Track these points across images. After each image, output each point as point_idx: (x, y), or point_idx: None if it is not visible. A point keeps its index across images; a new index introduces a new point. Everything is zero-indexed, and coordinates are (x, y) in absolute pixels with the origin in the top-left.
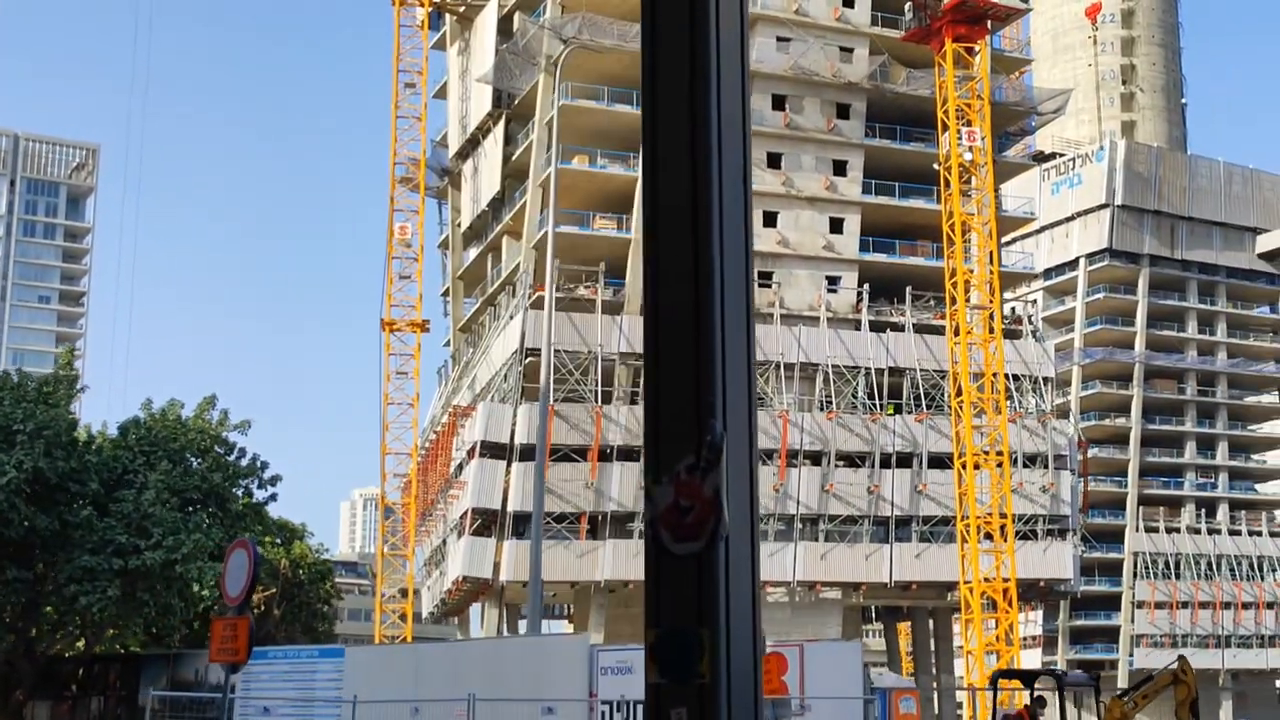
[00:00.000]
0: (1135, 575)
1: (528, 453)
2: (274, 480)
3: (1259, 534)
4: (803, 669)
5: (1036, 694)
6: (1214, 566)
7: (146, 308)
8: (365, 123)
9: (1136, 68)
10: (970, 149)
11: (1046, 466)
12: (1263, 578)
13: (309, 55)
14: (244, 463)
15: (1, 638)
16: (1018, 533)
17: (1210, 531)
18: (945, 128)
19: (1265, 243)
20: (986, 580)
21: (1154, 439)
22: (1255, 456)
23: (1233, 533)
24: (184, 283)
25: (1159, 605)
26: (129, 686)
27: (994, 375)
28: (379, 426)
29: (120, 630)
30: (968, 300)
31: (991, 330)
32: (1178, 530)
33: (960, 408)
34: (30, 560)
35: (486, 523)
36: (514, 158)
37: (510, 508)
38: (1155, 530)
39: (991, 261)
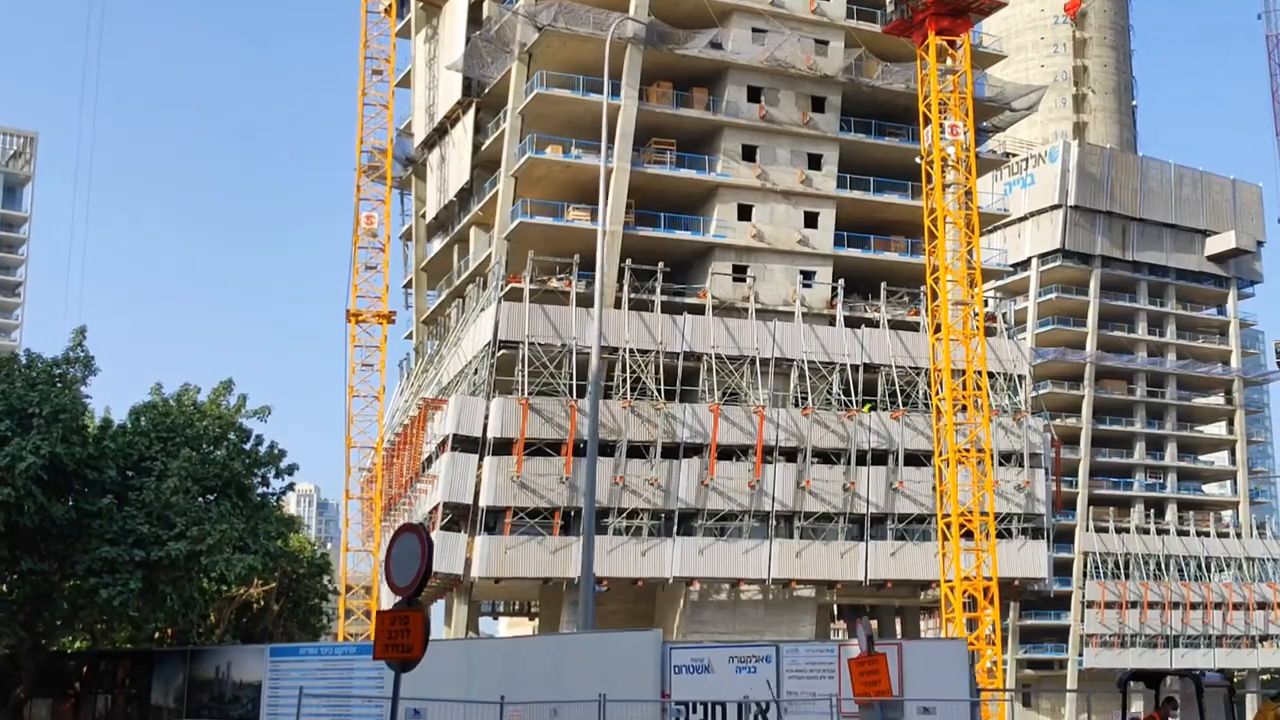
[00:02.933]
0: (1085, 575)
1: (501, 446)
2: (290, 469)
3: (1206, 534)
4: (901, 669)
5: (1167, 695)
6: (1162, 567)
7: (93, 297)
8: (329, 110)
9: (1088, 69)
10: (953, 143)
11: (1022, 465)
12: (1210, 578)
13: (276, 41)
14: (261, 450)
15: (14, 632)
16: (986, 531)
17: (1159, 532)
18: (927, 121)
19: (1214, 245)
20: (968, 579)
21: (1104, 439)
22: (1203, 458)
23: (1181, 533)
24: (130, 273)
25: (1108, 605)
26: (140, 684)
27: (976, 372)
28: (344, 419)
29: (140, 625)
30: (945, 296)
31: (975, 328)
32: (1127, 530)
33: (941, 404)
34: (45, 551)
35: (457, 518)
36: (484, 147)
37: (483, 502)
38: (1105, 530)
39: (973, 256)
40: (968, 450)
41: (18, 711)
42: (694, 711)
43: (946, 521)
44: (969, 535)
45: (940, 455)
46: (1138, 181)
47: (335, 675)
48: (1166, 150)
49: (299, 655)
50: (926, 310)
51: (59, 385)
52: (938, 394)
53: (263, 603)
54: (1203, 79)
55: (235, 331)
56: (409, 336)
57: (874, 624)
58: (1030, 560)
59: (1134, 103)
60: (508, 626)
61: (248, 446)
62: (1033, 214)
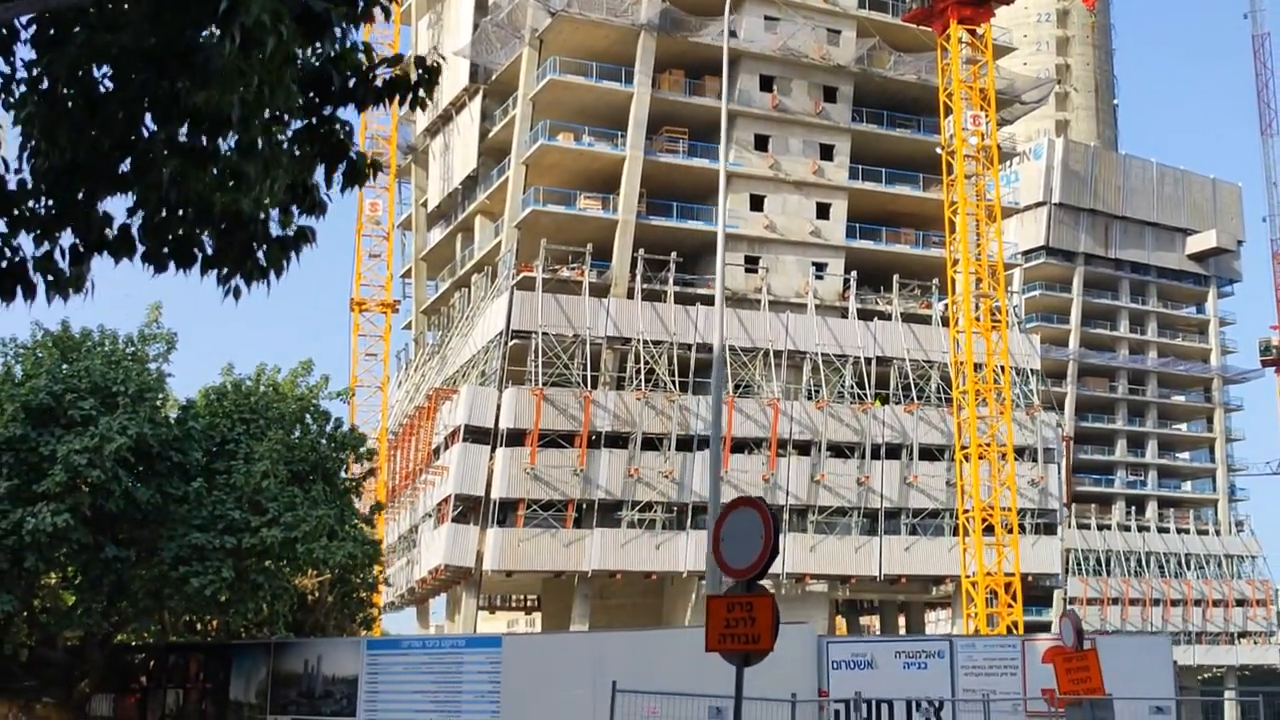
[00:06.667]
0: (1067, 571)
1: (514, 438)
2: (370, 454)
3: (1186, 532)
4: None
5: None
6: (1143, 563)
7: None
8: None
9: (1070, 67)
10: (975, 134)
11: (1035, 460)
12: (1189, 575)
13: None
14: (340, 433)
15: (97, 623)
16: (1005, 526)
17: (1140, 529)
18: (948, 112)
19: (1194, 244)
20: (989, 575)
21: (1086, 436)
22: (1182, 455)
23: (1161, 530)
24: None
25: (1090, 601)
26: (215, 679)
27: (998, 367)
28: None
29: (233, 616)
30: (968, 289)
31: (995, 320)
32: (1109, 527)
33: (964, 398)
34: (126, 537)
35: (467, 510)
36: (492, 134)
37: (495, 494)
38: (1087, 527)
39: (998, 250)
40: (987, 445)
41: (80, 707)
42: (857, 709)
43: (968, 516)
44: (988, 530)
45: (961, 449)
46: (1120, 179)
47: (443, 669)
48: (1146, 149)
49: (401, 648)
50: (949, 302)
51: (134, 363)
52: (959, 387)
53: (316, 594)
54: (1183, 78)
55: (227, 321)
56: (407, 327)
57: (875, 619)
58: (1043, 556)
59: (1115, 101)
60: (481, 622)
61: (328, 429)
62: (1017, 210)
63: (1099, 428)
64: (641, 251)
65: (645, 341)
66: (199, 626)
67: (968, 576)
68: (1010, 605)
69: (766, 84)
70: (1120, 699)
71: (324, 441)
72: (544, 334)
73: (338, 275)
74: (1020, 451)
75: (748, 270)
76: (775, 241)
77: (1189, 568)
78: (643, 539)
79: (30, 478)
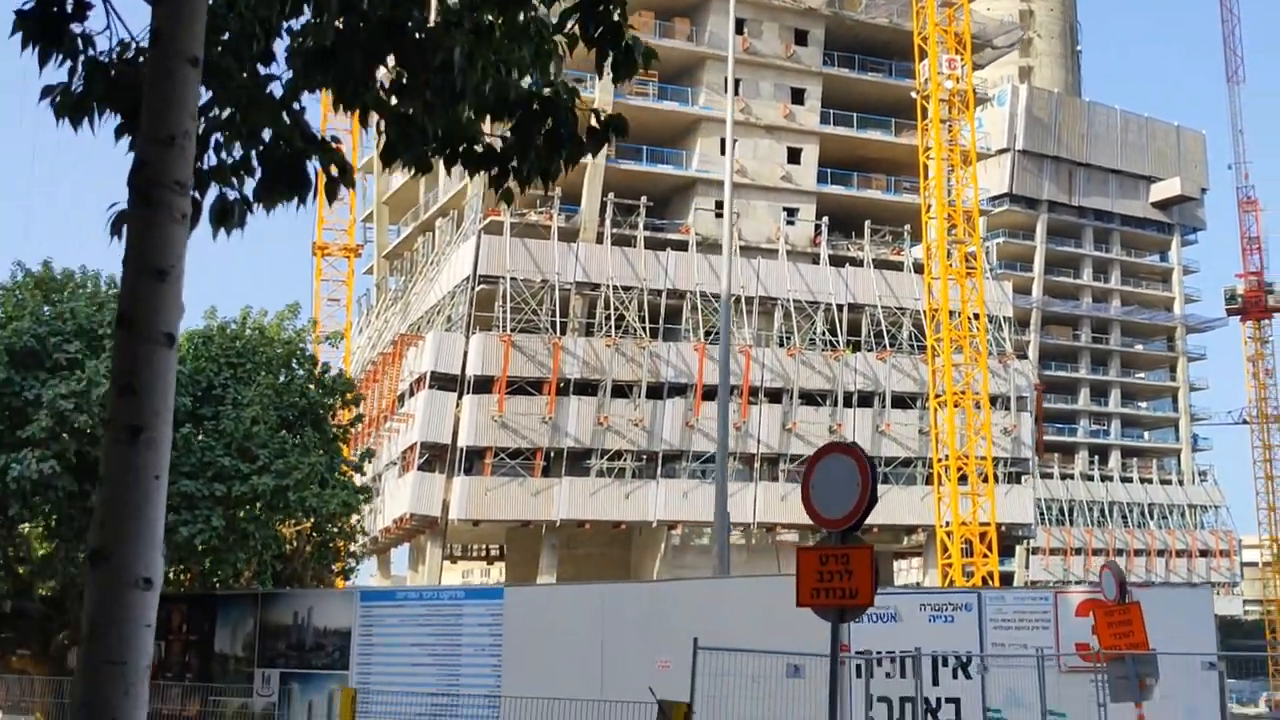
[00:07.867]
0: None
1: (481, 385)
2: (357, 400)
3: (1149, 481)
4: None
5: None
6: (1106, 513)
7: (45, 236)
8: None
9: (1034, 13)
10: (950, 77)
11: (1008, 408)
12: (1152, 525)
13: None
14: (329, 377)
15: (79, 573)
16: (981, 475)
17: (1103, 478)
18: (923, 55)
19: (1158, 191)
20: (965, 524)
21: (1049, 385)
22: (1145, 405)
23: (1124, 480)
24: (82, 211)
25: (1053, 551)
26: (200, 631)
27: (973, 314)
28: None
29: (221, 565)
30: (943, 234)
31: (969, 267)
32: (1072, 476)
33: (939, 345)
34: None
35: (433, 458)
36: None
37: (462, 442)
38: (1050, 476)
39: (973, 195)
40: (962, 392)
41: (58, 659)
42: (879, 664)
43: (944, 465)
44: (962, 479)
45: (936, 396)
46: (1084, 127)
47: (441, 622)
48: (1110, 95)
49: (395, 599)
50: (923, 248)
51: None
52: (934, 334)
53: (294, 544)
54: (1147, 23)
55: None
56: (369, 272)
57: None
58: (1016, 505)
59: (1078, 47)
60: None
61: (316, 374)
62: (988, 156)
63: (1062, 376)
64: (611, 195)
65: (615, 287)
66: (171, 577)
67: (943, 526)
68: (986, 555)
69: (738, 26)
70: (1164, 654)
71: (313, 387)
72: (512, 279)
73: (300, 218)
74: (993, 400)
75: (718, 215)
76: (746, 186)
77: (1152, 518)
78: (612, 488)
79: (14, 423)
